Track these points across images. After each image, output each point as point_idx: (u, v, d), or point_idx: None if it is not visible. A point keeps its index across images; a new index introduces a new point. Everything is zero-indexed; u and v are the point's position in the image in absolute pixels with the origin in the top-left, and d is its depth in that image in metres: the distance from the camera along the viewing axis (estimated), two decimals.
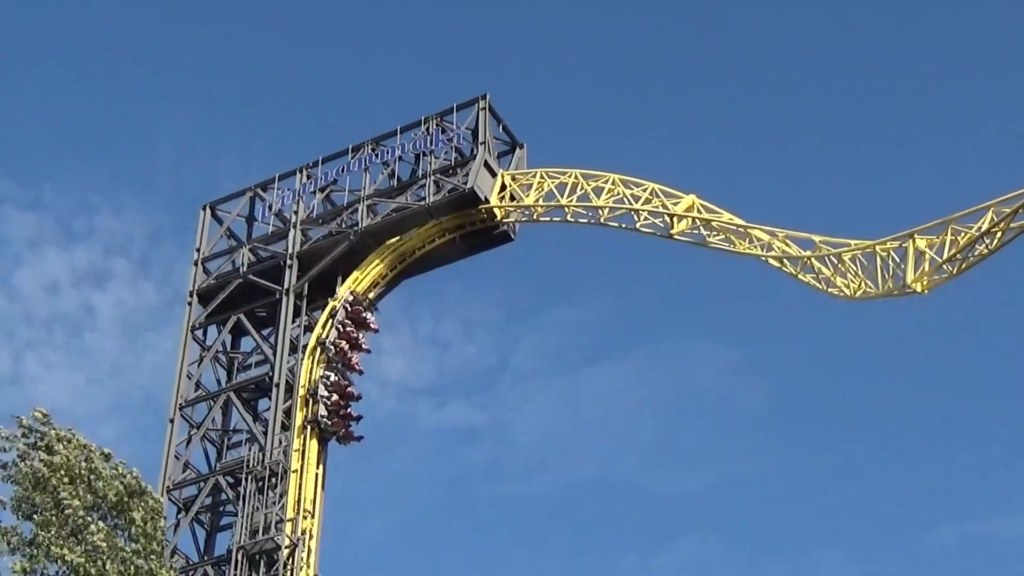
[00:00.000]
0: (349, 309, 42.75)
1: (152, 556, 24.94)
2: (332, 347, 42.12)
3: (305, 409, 41.48)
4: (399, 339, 73.97)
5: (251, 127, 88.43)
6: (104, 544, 23.80)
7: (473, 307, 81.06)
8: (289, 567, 38.51)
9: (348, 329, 42.68)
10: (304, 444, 41.04)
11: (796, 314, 78.70)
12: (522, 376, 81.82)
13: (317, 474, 40.89)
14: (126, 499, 24.39)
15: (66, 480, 24.39)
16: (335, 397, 41.65)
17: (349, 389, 42.17)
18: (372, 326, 43.34)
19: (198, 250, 46.66)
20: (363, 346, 43.07)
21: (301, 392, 41.66)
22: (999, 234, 35.20)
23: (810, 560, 75.06)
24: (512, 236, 45.42)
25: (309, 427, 41.26)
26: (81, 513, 24.33)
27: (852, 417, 79.06)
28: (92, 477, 24.35)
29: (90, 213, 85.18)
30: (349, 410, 42.09)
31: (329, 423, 41.43)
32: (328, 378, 41.81)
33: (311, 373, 42.19)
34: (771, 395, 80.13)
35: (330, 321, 42.73)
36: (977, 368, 78.05)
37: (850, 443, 77.72)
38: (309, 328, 43.91)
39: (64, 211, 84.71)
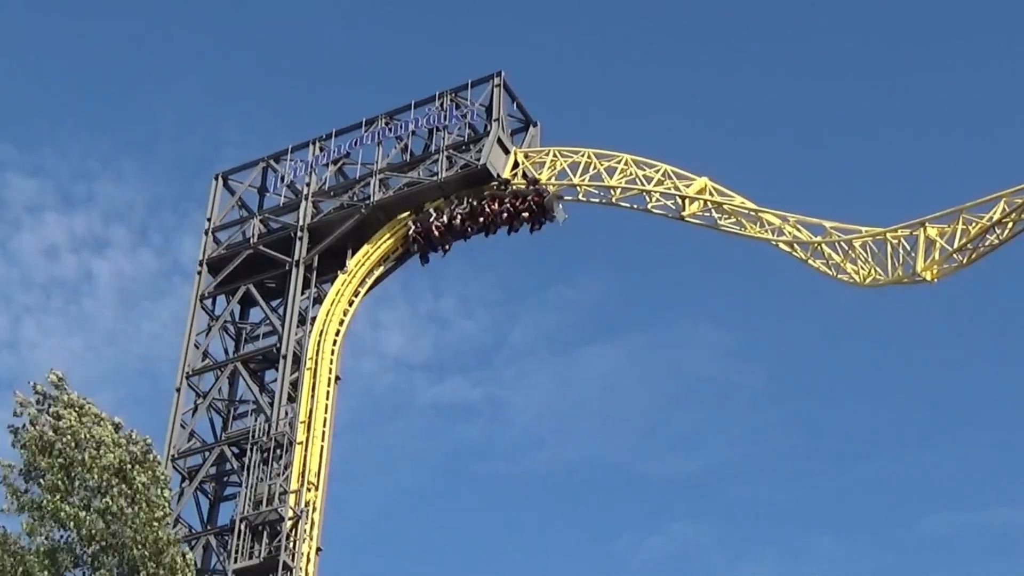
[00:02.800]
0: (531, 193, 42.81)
1: (155, 523, 25.10)
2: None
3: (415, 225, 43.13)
4: (397, 314, 74.14)
5: (255, 98, 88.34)
6: (115, 506, 23.95)
7: (472, 284, 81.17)
8: (292, 539, 38.60)
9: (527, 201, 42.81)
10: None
11: (794, 299, 78.72)
12: (519, 354, 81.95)
13: (322, 446, 40.97)
14: (129, 466, 24.51)
15: (72, 445, 24.54)
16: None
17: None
18: (556, 217, 43.06)
19: (209, 219, 46.72)
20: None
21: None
22: (1010, 224, 35.20)
23: (803, 545, 75.25)
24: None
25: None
26: (87, 476, 24.48)
27: (848, 402, 79.12)
28: (94, 444, 24.46)
29: (90, 179, 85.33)
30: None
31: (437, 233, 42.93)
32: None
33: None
34: (767, 379, 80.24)
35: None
36: (975, 357, 78.06)
37: (846, 429, 77.78)
38: (318, 300, 43.98)
39: (64, 177, 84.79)
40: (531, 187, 43.09)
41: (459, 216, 43.29)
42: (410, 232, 43.66)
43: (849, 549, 73.33)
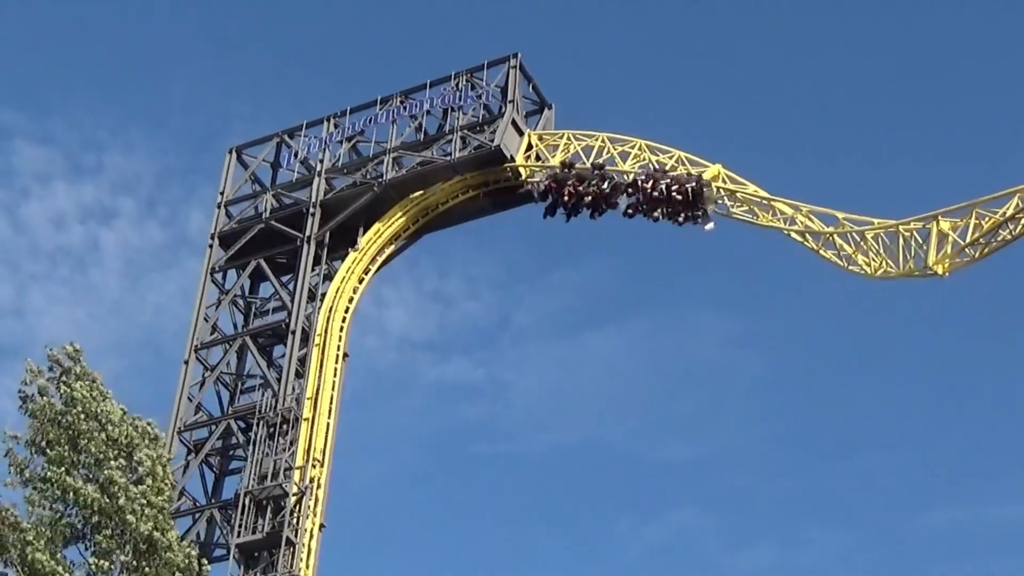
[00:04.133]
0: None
1: (159, 501, 25.18)
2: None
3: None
4: (402, 292, 74.16)
5: (267, 73, 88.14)
6: (122, 479, 24.03)
7: (478, 264, 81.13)
8: (296, 514, 38.70)
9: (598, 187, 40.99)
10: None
11: (798, 288, 78.54)
12: (523, 336, 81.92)
13: (329, 423, 41.05)
14: (136, 441, 24.58)
15: (82, 416, 24.60)
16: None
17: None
18: (706, 220, 40.56)
19: (222, 193, 46.78)
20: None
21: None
22: (1023, 220, 35.09)
23: (802, 536, 75.22)
24: (536, 196, 45.29)
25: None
26: (93, 448, 24.56)
27: (851, 393, 78.99)
28: (106, 418, 24.55)
29: (99, 150, 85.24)
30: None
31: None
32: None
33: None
34: (770, 368, 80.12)
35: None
36: (978, 351, 77.87)
37: (847, 420, 77.63)
38: (328, 277, 44.01)
39: (73, 146, 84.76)
40: (692, 177, 40.31)
41: (598, 189, 40.82)
42: (541, 181, 41.64)
43: (848, 541, 73.35)
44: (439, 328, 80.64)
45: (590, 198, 41.32)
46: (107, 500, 23.38)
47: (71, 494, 23.70)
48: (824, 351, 79.53)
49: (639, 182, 40.82)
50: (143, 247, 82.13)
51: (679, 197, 40.24)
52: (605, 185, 41.19)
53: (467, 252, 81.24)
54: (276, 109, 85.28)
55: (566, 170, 41.92)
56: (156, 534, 23.65)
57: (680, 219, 40.80)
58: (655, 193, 40.46)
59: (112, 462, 23.87)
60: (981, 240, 35.91)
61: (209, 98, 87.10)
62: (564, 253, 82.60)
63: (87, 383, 24.51)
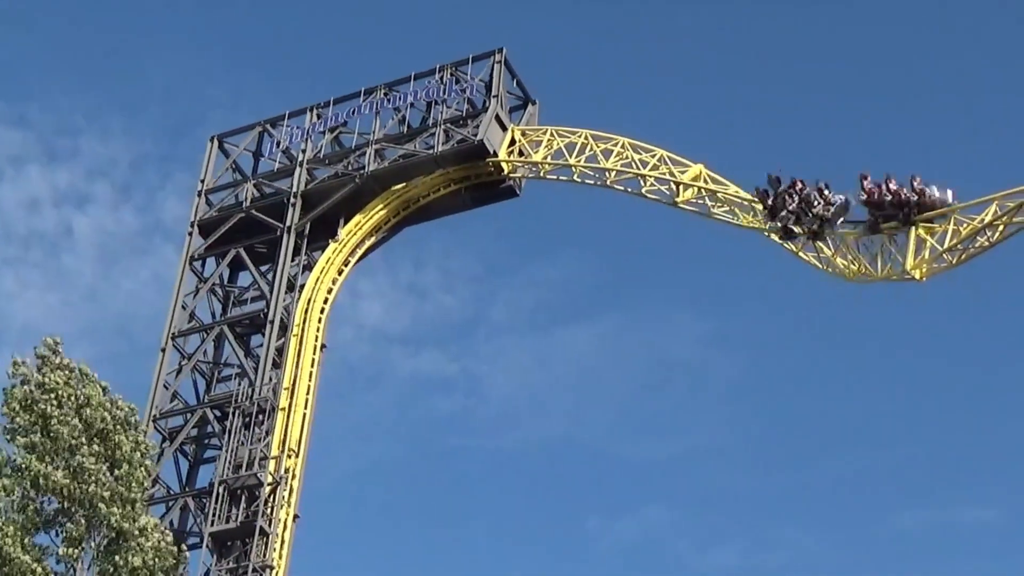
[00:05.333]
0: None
1: (134, 483, 25.14)
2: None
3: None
4: (378, 284, 74.07)
5: (247, 61, 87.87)
6: (93, 467, 23.98)
7: (454, 258, 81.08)
8: (270, 504, 38.67)
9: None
10: None
11: (773, 288, 78.65)
12: (497, 330, 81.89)
13: (305, 414, 41.01)
14: (111, 427, 24.55)
15: (55, 403, 24.56)
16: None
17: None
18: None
19: (202, 181, 46.67)
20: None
21: None
22: (1001, 227, 35.34)
23: (772, 536, 75.44)
24: (518, 192, 45.39)
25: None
26: (65, 433, 24.51)
27: (824, 395, 79.20)
28: (80, 404, 24.51)
29: (75, 134, 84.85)
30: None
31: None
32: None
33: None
34: (744, 368, 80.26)
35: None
36: (954, 355, 78.11)
37: (820, 422, 77.84)
38: (308, 267, 43.99)
39: (48, 130, 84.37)
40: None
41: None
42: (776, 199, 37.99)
43: (818, 542, 73.57)
44: (414, 321, 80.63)
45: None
46: (77, 487, 23.32)
47: (41, 480, 23.65)
48: (797, 350, 79.81)
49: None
50: (117, 233, 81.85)
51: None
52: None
53: (444, 245, 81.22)
54: (255, 98, 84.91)
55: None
56: (125, 524, 23.61)
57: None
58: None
59: (85, 448, 23.84)
60: (959, 246, 36.08)
61: (187, 85, 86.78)
62: (540, 249, 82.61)
63: (64, 372, 24.49)
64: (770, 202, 38.67)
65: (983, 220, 35.60)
